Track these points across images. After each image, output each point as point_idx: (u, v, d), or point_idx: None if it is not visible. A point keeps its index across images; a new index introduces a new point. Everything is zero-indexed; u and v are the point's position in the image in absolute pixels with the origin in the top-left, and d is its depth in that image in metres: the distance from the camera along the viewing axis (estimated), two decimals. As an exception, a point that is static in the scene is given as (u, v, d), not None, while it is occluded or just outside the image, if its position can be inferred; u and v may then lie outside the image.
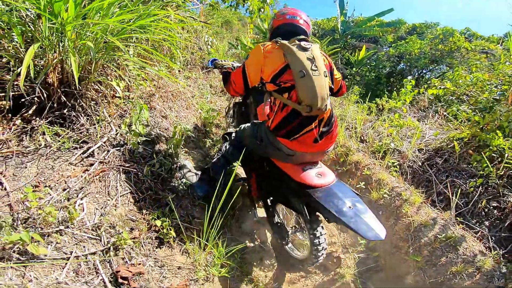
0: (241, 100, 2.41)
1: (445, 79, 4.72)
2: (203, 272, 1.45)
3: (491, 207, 2.49)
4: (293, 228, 2.00)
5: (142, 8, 1.93)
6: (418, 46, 6.20)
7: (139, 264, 1.30)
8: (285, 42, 1.47)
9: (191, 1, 4.05)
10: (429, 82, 4.96)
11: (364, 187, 2.46)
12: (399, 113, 3.43)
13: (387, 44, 7.57)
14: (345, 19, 8.25)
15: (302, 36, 1.54)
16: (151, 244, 1.43)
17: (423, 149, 2.94)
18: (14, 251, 1.07)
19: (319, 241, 1.70)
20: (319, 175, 1.58)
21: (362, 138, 3.08)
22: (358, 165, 2.63)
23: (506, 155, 2.49)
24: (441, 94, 3.99)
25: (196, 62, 4.45)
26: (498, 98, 3.12)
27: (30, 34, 1.56)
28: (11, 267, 1.03)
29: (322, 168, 1.67)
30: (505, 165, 2.44)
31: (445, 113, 3.71)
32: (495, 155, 2.62)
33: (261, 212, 2.17)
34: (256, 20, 6.89)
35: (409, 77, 4.41)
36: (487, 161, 2.51)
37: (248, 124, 1.88)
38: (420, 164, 2.82)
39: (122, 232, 1.33)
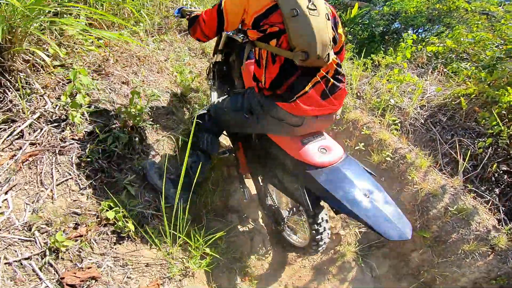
0: (223, 59, 2.03)
1: (442, 38, 4.49)
2: (179, 267, 1.17)
3: (501, 171, 2.29)
4: (290, 211, 1.70)
5: None
6: (415, 5, 5.80)
7: (89, 267, 1.01)
8: None
9: None
10: (427, 39, 4.65)
11: (363, 148, 2.17)
12: (399, 68, 3.12)
13: (381, 2, 7.03)
14: (335, -24, 7.57)
15: None
16: (108, 241, 1.14)
17: (425, 106, 2.68)
18: None
19: (321, 230, 1.45)
20: (323, 150, 1.23)
21: (358, 94, 2.77)
22: (356, 124, 2.31)
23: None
24: (440, 52, 3.79)
25: (171, 25, 3.92)
26: (502, 56, 2.91)
27: None
28: None
29: (327, 139, 1.31)
30: (518, 122, 2.22)
31: (445, 70, 3.47)
32: (504, 112, 2.39)
33: (253, 189, 1.88)
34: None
35: (410, 31, 4.06)
36: (497, 118, 2.27)
37: (224, 97, 1.50)
38: (423, 121, 2.56)
39: (56, 234, 1.03)
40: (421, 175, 1.96)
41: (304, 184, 1.24)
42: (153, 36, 3.22)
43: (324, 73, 1.18)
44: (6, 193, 1.09)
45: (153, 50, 2.74)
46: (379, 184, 1.17)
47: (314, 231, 1.48)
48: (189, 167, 1.43)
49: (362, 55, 3.22)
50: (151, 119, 1.73)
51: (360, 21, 6.53)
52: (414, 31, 6.27)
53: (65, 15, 1.74)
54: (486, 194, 2.19)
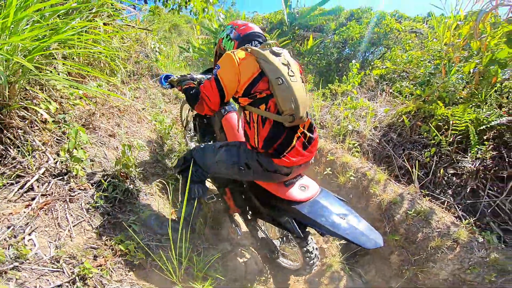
0: None
1: (385, 59, 5.11)
2: None
3: (450, 175, 2.68)
4: (280, 239, 1.92)
5: (58, 22, 1.71)
6: (358, 31, 6.58)
7: None
8: (256, 48, 1.34)
9: (125, 9, 3.79)
10: (372, 64, 5.30)
11: (330, 172, 2.49)
12: (351, 95, 3.57)
13: (331, 32, 7.90)
14: (290, 11, 8.43)
15: (273, 41, 1.40)
16: (122, 269, 1.32)
17: (377, 127, 3.10)
18: None
19: (310, 251, 1.67)
20: (303, 188, 1.50)
21: (321, 124, 3.14)
22: (322, 152, 2.66)
23: (451, 122, 2.72)
24: (384, 73, 4.33)
25: (143, 71, 4.15)
26: (433, 72, 3.42)
27: None
28: None
29: (304, 179, 1.59)
30: (452, 131, 2.66)
31: (390, 90, 3.97)
32: (440, 123, 2.85)
33: (244, 227, 2.07)
34: (204, 21, 6.71)
35: (354, 61, 4.67)
36: (435, 130, 2.72)
37: (211, 146, 1.64)
38: (378, 141, 2.96)
39: (83, 262, 1.20)
40: (381, 187, 2.29)
41: (293, 216, 1.48)
42: (129, 85, 3.41)
43: (302, 129, 1.41)
44: (29, 234, 1.24)
45: (131, 99, 2.92)
46: (350, 207, 1.46)
47: (305, 253, 1.69)
48: (187, 216, 1.57)
49: (321, 86, 3.65)
50: (141, 168, 1.91)
51: (316, 51, 7.27)
52: (363, 55, 7.10)
53: (46, 70, 1.83)
54: (441, 196, 2.55)
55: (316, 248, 1.73)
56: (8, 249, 1.15)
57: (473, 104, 2.82)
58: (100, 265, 1.25)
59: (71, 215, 1.39)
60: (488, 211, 2.46)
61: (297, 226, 1.45)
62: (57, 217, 1.34)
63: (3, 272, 1.08)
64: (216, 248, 1.99)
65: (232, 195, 1.88)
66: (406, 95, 3.48)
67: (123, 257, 1.35)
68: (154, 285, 1.34)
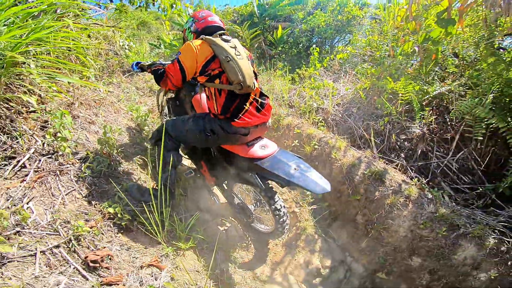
0: (173, 95, 2.44)
1: (347, 46, 5.47)
2: (171, 247, 1.55)
3: (402, 140, 3.06)
4: (254, 205, 2.18)
5: (33, 23, 1.86)
6: (323, 19, 6.89)
7: (104, 247, 1.37)
8: (209, 37, 1.65)
9: (91, 9, 3.83)
10: (335, 49, 5.65)
11: (298, 144, 2.78)
12: (314, 77, 3.88)
13: (299, 21, 8.18)
14: (260, 2, 8.58)
15: (222, 31, 1.74)
16: (111, 231, 1.50)
17: (340, 103, 3.43)
18: None
19: (279, 209, 1.89)
20: (263, 147, 1.77)
21: (290, 104, 3.42)
22: (290, 127, 2.95)
23: (400, 94, 3.09)
24: (347, 57, 4.68)
25: (114, 68, 4.20)
26: (388, 54, 3.80)
27: None
28: None
29: (264, 140, 1.86)
30: (400, 102, 3.04)
31: (353, 72, 4.33)
32: (391, 96, 3.23)
33: (223, 198, 2.29)
34: (173, 16, 6.71)
35: (314, 45, 4.98)
36: (386, 102, 3.08)
37: (180, 118, 1.88)
38: (341, 116, 3.29)
39: (78, 223, 1.37)
40: (342, 153, 2.60)
41: (255, 172, 1.74)
42: (102, 80, 3.49)
43: (254, 96, 1.72)
44: (27, 203, 1.40)
45: (104, 92, 3.02)
46: (304, 161, 1.73)
47: (274, 212, 1.91)
48: (165, 182, 1.78)
49: (288, 71, 3.91)
50: (122, 149, 2.09)
51: (287, 40, 7.53)
52: (329, 42, 7.45)
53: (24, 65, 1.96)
54: (395, 160, 2.90)
55: (284, 207, 1.96)
56: (10, 216, 1.30)
57: (418, 78, 3.20)
58: (92, 227, 1.43)
59: (63, 186, 1.56)
60: (438, 171, 2.84)
61: (259, 180, 1.71)
62: (50, 188, 1.51)
63: (7, 238, 1.24)
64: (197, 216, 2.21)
65: (206, 167, 2.12)
66: (365, 75, 3.83)
67: (111, 220, 1.54)
68: (141, 245, 1.53)
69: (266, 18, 8.44)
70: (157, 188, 1.75)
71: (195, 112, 2.11)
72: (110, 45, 4.47)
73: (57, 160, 1.68)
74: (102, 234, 1.45)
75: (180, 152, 1.96)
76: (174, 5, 5.30)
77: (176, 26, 7.53)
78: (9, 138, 1.62)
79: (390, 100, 3.14)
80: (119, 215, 1.52)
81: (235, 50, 1.64)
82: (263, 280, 2.07)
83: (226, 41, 1.66)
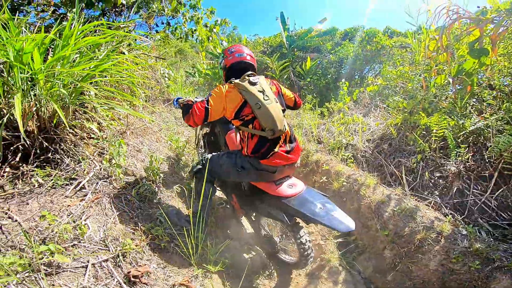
0: (208, 131, 2.65)
1: (377, 77, 5.44)
2: (201, 270, 1.68)
3: (436, 177, 2.96)
4: (280, 237, 2.25)
5: (99, 54, 2.15)
6: (352, 50, 7.01)
7: (145, 265, 1.52)
8: (238, 81, 1.75)
9: (140, 39, 4.31)
10: (366, 81, 5.64)
11: (326, 180, 2.82)
12: (343, 112, 3.93)
13: (328, 52, 8.38)
14: (288, 34, 8.95)
15: (250, 72, 1.83)
16: (151, 251, 1.67)
17: (370, 139, 3.43)
18: (41, 264, 1.25)
19: (304, 243, 1.94)
20: (291, 186, 1.86)
21: (319, 140, 3.50)
22: (318, 163, 3.01)
23: (433, 130, 3.04)
24: (377, 90, 4.66)
25: (156, 97, 4.62)
26: (420, 85, 3.76)
27: (3, 85, 1.68)
28: (42, 278, 1.20)
29: (292, 179, 1.95)
30: (434, 138, 2.98)
31: (384, 106, 4.30)
32: (424, 132, 3.18)
33: (250, 228, 2.40)
34: (208, 46, 7.30)
35: (343, 80, 5.05)
36: (419, 139, 3.04)
37: (216, 155, 2.03)
38: (371, 152, 3.28)
39: (126, 241, 1.55)
40: (371, 190, 2.58)
41: (283, 210, 1.84)
42: (145, 108, 3.84)
43: (283, 139, 1.83)
44: (85, 220, 1.59)
45: (149, 122, 3.34)
46: (329, 200, 1.80)
47: (300, 245, 1.96)
48: (201, 210, 1.87)
49: (317, 104, 4.02)
50: (163, 177, 2.32)
51: (315, 71, 7.72)
52: (359, 73, 7.52)
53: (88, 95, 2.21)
54: (428, 197, 2.81)
55: (310, 241, 2.00)
56: (70, 232, 1.48)
57: (453, 112, 3.13)
58: (136, 245, 1.60)
59: (115, 207, 1.78)
60: (475, 208, 2.70)
61: (285, 217, 1.80)
62: (105, 208, 1.73)
63: (65, 249, 1.41)
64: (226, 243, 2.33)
65: (237, 199, 2.25)
66: (396, 109, 3.80)
67: (152, 241, 1.71)
68: (175, 265, 1.67)
69: (295, 49, 8.77)
70: (193, 215, 1.89)
71: (228, 149, 2.27)
72: (152, 73, 4.94)
73: (111, 184, 1.92)
74: (144, 252, 1.61)
75: (214, 184, 2.12)
76: (210, 38, 5.80)
77: (209, 55, 8.13)
78: (72, 161, 1.89)
79: (423, 136, 3.10)
80: (159, 237, 1.71)
81: (263, 94, 1.72)
82: None
83: (254, 84, 1.73)
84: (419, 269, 2.20)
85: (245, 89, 1.71)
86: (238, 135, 1.92)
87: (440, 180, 2.97)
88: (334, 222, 1.60)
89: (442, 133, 2.94)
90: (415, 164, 3.01)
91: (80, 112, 2.16)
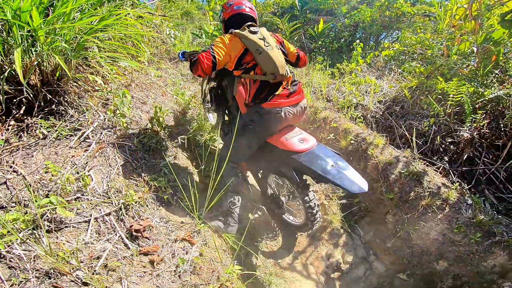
0: (215, 85, 2.53)
1: (395, 42, 5.17)
2: (204, 225, 1.68)
3: (447, 143, 2.87)
4: (287, 196, 2.20)
5: (100, 10, 2.12)
6: (369, 14, 6.58)
7: (147, 218, 1.52)
8: (238, 30, 1.75)
9: None
10: (381, 46, 5.39)
11: (333, 137, 2.77)
12: (355, 72, 3.77)
13: (342, 15, 7.90)
14: (301, -5, 8.42)
15: (250, 22, 1.82)
16: (154, 204, 1.65)
17: (382, 101, 3.31)
18: (45, 220, 1.25)
19: (311, 205, 1.88)
20: (302, 141, 1.79)
21: (328, 98, 3.39)
22: (326, 120, 2.93)
23: (450, 95, 2.90)
24: (393, 55, 4.45)
25: (162, 55, 4.49)
26: (441, 53, 3.57)
27: (4, 43, 1.67)
28: (44, 235, 1.18)
29: (303, 134, 1.87)
30: (450, 103, 2.85)
31: (399, 70, 4.12)
32: (440, 97, 3.04)
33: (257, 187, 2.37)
34: (215, 7, 6.91)
35: (357, 41, 4.78)
36: (434, 102, 2.91)
37: (224, 147, 2.01)
38: (381, 113, 3.18)
39: (129, 192, 1.53)
40: (379, 151, 2.53)
41: (292, 165, 1.77)
42: (152, 65, 3.76)
43: (285, 84, 1.82)
44: (89, 171, 1.58)
45: (154, 77, 3.27)
46: (342, 158, 1.71)
47: (308, 209, 1.89)
48: (228, 206, 1.87)
49: (327, 65, 3.85)
50: (168, 129, 2.28)
51: (328, 34, 7.33)
52: (374, 38, 7.11)
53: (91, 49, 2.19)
54: (437, 162, 2.75)
55: (318, 205, 1.94)
56: (75, 183, 1.47)
57: (473, 80, 2.97)
58: (139, 198, 1.59)
59: (119, 157, 1.75)
60: (483, 178, 2.65)
61: (295, 174, 1.74)
62: (109, 158, 1.71)
63: (68, 203, 1.39)
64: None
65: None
66: (412, 74, 3.64)
67: (155, 193, 1.69)
68: (178, 220, 1.65)
69: (307, 11, 8.26)
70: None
71: (236, 103, 2.06)
72: (159, 33, 4.78)
73: (116, 134, 1.89)
74: (147, 205, 1.59)
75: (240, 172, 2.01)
76: (217, -3, 5.46)
77: (215, 16, 7.72)
78: (76, 112, 1.87)
79: (438, 101, 2.97)
80: (162, 189, 1.68)
81: (264, 41, 1.72)
82: (283, 266, 2.14)
83: (254, 33, 1.74)
84: (419, 237, 2.19)
85: (245, 37, 1.72)
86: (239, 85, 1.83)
87: (451, 146, 2.90)
88: (345, 182, 1.51)
89: (460, 99, 2.80)
90: (427, 128, 2.92)
91: (84, 66, 2.12)
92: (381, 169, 2.45)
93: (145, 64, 3.09)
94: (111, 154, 1.74)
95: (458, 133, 2.87)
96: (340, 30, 7.13)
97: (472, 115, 2.72)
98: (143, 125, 2.12)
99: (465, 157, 2.78)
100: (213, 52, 1.71)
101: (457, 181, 2.47)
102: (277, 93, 1.78)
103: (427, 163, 2.64)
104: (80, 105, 1.91)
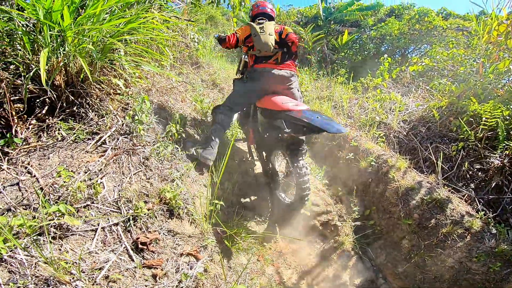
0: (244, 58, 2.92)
1: (424, 57, 4.94)
2: (211, 240, 1.62)
3: (475, 169, 2.67)
4: (283, 174, 2.43)
5: (129, 12, 2.12)
6: (397, 27, 6.37)
7: (155, 231, 1.46)
8: (250, 22, 2.51)
9: (173, 1, 4.19)
10: (409, 60, 5.17)
11: (352, 157, 2.64)
12: (381, 88, 3.61)
13: (368, 27, 7.71)
14: (326, 5, 8.33)
15: (261, 17, 2.56)
16: (163, 216, 1.58)
17: (407, 120, 3.14)
18: (51, 226, 1.22)
19: (300, 167, 2.01)
20: (296, 106, 2.09)
21: (349, 115, 3.26)
22: (346, 138, 2.81)
23: (483, 118, 2.70)
24: (421, 70, 4.24)
25: (185, 59, 4.55)
26: (474, 70, 3.35)
27: (33, 42, 1.70)
28: (50, 241, 1.17)
29: (297, 102, 2.22)
30: (482, 127, 2.65)
31: (427, 87, 3.92)
32: (472, 119, 2.83)
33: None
34: (239, 14, 6.97)
35: (385, 55, 4.60)
36: (465, 125, 2.71)
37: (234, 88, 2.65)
38: (405, 133, 3.01)
39: (139, 203, 1.49)
40: (400, 174, 2.38)
41: (283, 118, 2.03)
42: (174, 70, 3.81)
43: (274, 59, 2.42)
44: (101, 178, 1.54)
45: (176, 81, 3.30)
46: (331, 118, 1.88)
47: (296, 173, 2.01)
48: (210, 134, 2.30)
49: (351, 79, 3.73)
50: (184, 137, 2.26)
51: (352, 46, 7.18)
52: (401, 52, 6.87)
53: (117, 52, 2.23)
54: (463, 189, 2.57)
55: (307, 171, 2.04)
56: (86, 188, 1.44)
57: (510, 102, 2.75)
58: (149, 209, 1.54)
59: (133, 166, 1.72)
60: (510, 207, 2.45)
61: (284, 123, 2.01)
62: (122, 166, 1.68)
63: (77, 210, 1.35)
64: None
65: (252, 132, 2.66)
66: (442, 92, 3.44)
67: (165, 205, 1.63)
68: (186, 233, 1.58)
69: (331, 22, 8.16)
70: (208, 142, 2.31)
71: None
72: (182, 37, 4.85)
73: (132, 140, 1.87)
74: (156, 217, 1.54)
75: (232, 116, 2.49)
76: (243, 3, 5.49)
77: (239, 23, 7.80)
78: (96, 116, 1.87)
79: (469, 123, 2.77)
80: (173, 201, 1.61)
81: (261, 29, 2.38)
82: (288, 286, 2.06)
83: (259, 23, 2.43)
84: (434, 263, 2.13)
85: (251, 26, 2.43)
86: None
87: (479, 173, 2.70)
88: (326, 126, 1.75)
89: (493, 123, 2.60)
90: (454, 152, 2.72)
91: (108, 69, 2.15)
92: (402, 193, 2.31)
93: (167, 69, 3.13)
94: (125, 162, 1.72)
95: (487, 159, 2.67)
96: (364, 43, 6.97)
97: (505, 142, 2.51)
98: (159, 132, 2.11)
99: (493, 185, 2.58)
100: (237, 34, 2.53)
101: (482, 209, 2.34)
102: (265, 61, 2.41)
103: (452, 190, 2.48)
104: (101, 108, 1.92)
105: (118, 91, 2.16)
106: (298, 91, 2.52)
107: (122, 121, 1.90)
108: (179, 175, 1.81)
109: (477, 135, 2.69)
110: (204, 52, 5.34)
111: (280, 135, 2.19)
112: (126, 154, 1.73)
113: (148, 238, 1.38)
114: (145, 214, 1.49)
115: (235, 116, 2.93)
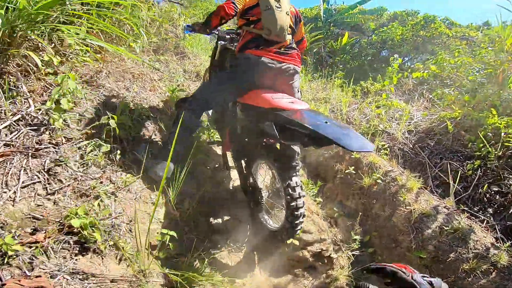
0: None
1: (427, 64, 4.70)
2: (151, 284, 1.07)
3: (493, 192, 2.31)
4: (268, 192, 1.84)
5: None
6: (400, 33, 6.12)
7: (39, 276, 0.90)
8: None
9: None
10: (412, 66, 4.87)
11: (354, 172, 2.17)
12: (386, 93, 3.21)
13: (369, 32, 7.44)
14: (327, 7, 8.10)
15: None
16: (68, 251, 1.03)
17: (412, 131, 2.74)
18: None
19: (294, 194, 1.48)
20: (291, 103, 1.52)
21: (348, 120, 2.83)
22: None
23: (502, 134, 2.32)
24: (425, 78, 3.93)
25: (169, 47, 4.05)
26: (485, 80, 3.04)
27: None
28: None
29: (294, 99, 1.62)
30: (504, 143, 2.26)
31: (430, 96, 3.59)
32: (490, 134, 2.45)
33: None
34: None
35: (396, 55, 4.24)
36: (484, 141, 2.32)
37: (207, 82, 2.07)
38: (411, 146, 2.60)
39: (5, 236, 0.94)
40: (413, 196, 1.94)
41: (273, 120, 1.45)
42: (149, 56, 3.29)
43: (279, 46, 1.76)
44: None
45: (147, 67, 2.78)
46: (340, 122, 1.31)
47: (290, 199, 1.48)
48: (169, 138, 1.69)
49: (351, 83, 3.33)
50: (136, 134, 1.71)
51: (349, 50, 6.87)
52: (401, 58, 6.61)
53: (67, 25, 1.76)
54: (480, 214, 2.19)
55: (303, 198, 1.50)
56: None
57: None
58: (36, 242, 0.98)
59: (26, 173, 1.16)
60: None
61: (274, 128, 1.41)
62: (8, 173, 1.12)
63: None
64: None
65: (229, 135, 2.00)
66: (448, 103, 3.10)
67: (73, 236, 1.06)
68: (108, 277, 1.03)
69: (331, 24, 7.91)
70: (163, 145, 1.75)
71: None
72: (173, 27, 4.38)
73: (41, 135, 1.31)
74: (51, 252, 1.00)
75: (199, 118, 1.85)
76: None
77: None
78: (2, 99, 1.30)
79: (487, 138, 2.39)
80: (85, 232, 1.05)
81: (277, 3, 1.73)
82: None
83: None
84: None
85: None
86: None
87: (497, 196, 2.32)
88: (343, 140, 1.12)
89: (515, 140, 2.22)
90: (470, 172, 2.32)
91: (41, 42, 1.57)
92: (414, 220, 1.87)
93: (135, 53, 2.60)
94: (16, 167, 1.15)
95: (508, 181, 2.30)
96: (364, 47, 6.68)
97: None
98: (97, 127, 1.51)
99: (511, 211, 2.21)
100: (234, 1, 1.84)
101: (500, 237, 1.99)
102: (264, 48, 1.73)
103: (468, 215, 2.08)
104: (16, 89, 1.38)
105: (53, 70, 1.61)
106: (299, 91, 1.90)
107: (35, 106, 1.34)
108: (111, 188, 1.25)
109: (497, 153, 2.31)
110: (193, 43, 4.87)
111: (265, 141, 1.66)
112: (23, 155, 1.17)
113: (23, 285, 0.84)
114: (30, 248, 0.94)
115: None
